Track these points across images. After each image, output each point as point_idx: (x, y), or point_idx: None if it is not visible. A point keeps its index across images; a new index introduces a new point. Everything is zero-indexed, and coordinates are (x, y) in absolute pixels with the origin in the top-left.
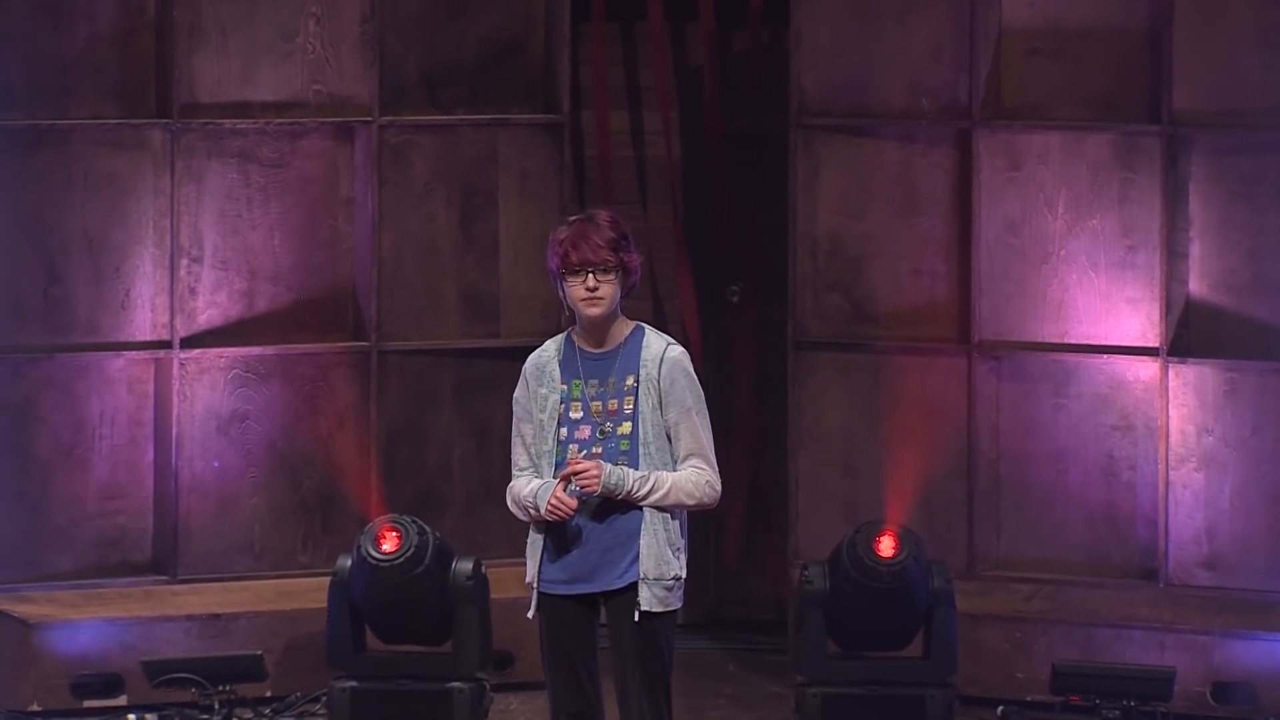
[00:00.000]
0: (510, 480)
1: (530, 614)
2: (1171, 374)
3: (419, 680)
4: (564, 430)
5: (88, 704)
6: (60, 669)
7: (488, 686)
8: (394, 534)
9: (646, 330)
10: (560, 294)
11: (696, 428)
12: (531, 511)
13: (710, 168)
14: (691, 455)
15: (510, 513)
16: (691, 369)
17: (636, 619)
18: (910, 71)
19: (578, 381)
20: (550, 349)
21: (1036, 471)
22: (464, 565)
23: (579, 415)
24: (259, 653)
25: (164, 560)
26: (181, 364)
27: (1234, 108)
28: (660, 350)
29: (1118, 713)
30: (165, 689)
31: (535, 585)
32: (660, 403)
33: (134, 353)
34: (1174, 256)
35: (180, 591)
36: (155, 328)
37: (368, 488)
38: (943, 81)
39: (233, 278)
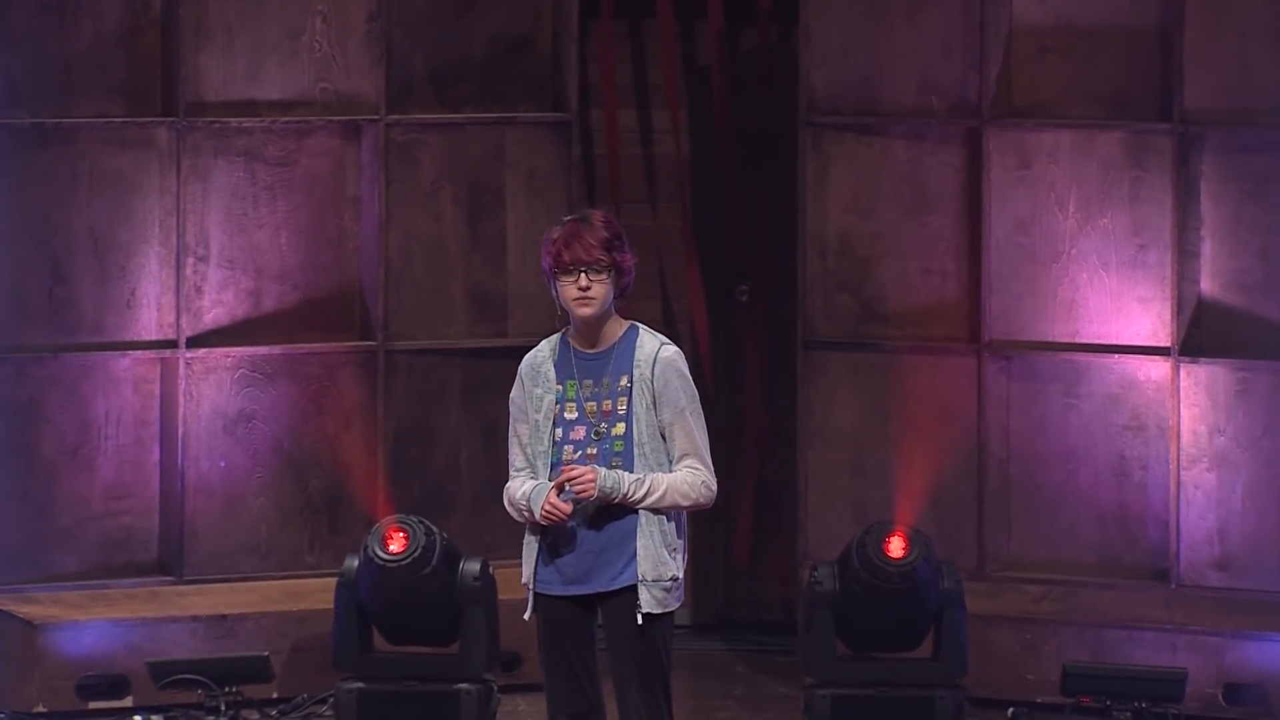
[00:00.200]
0: (508, 481)
1: (527, 615)
2: (1183, 374)
3: (426, 681)
4: (559, 431)
5: (93, 705)
6: (65, 670)
7: (495, 688)
8: (401, 534)
9: (640, 330)
10: (553, 294)
11: (691, 428)
12: (526, 514)
13: (719, 166)
14: (687, 456)
15: None
16: (685, 368)
17: (640, 621)
18: (920, 70)
19: (572, 382)
20: (545, 349)
21: (1047, 472)
22: (471, 566)
23: (574, 416)
24: (265, 654)
25: (170, 561)
26: (187, 363)
27: (1245, 106)
28: (654, 350)
29: (1129, 714)
30: (171, 690)
31: (531, 587)
32: (654, 403)
33: (140, 352)
34: (1185, 255)
35: (186, 592)
36: (161, 327)
37: (375, 488)
38: (952, 80)
39: (239, 277)
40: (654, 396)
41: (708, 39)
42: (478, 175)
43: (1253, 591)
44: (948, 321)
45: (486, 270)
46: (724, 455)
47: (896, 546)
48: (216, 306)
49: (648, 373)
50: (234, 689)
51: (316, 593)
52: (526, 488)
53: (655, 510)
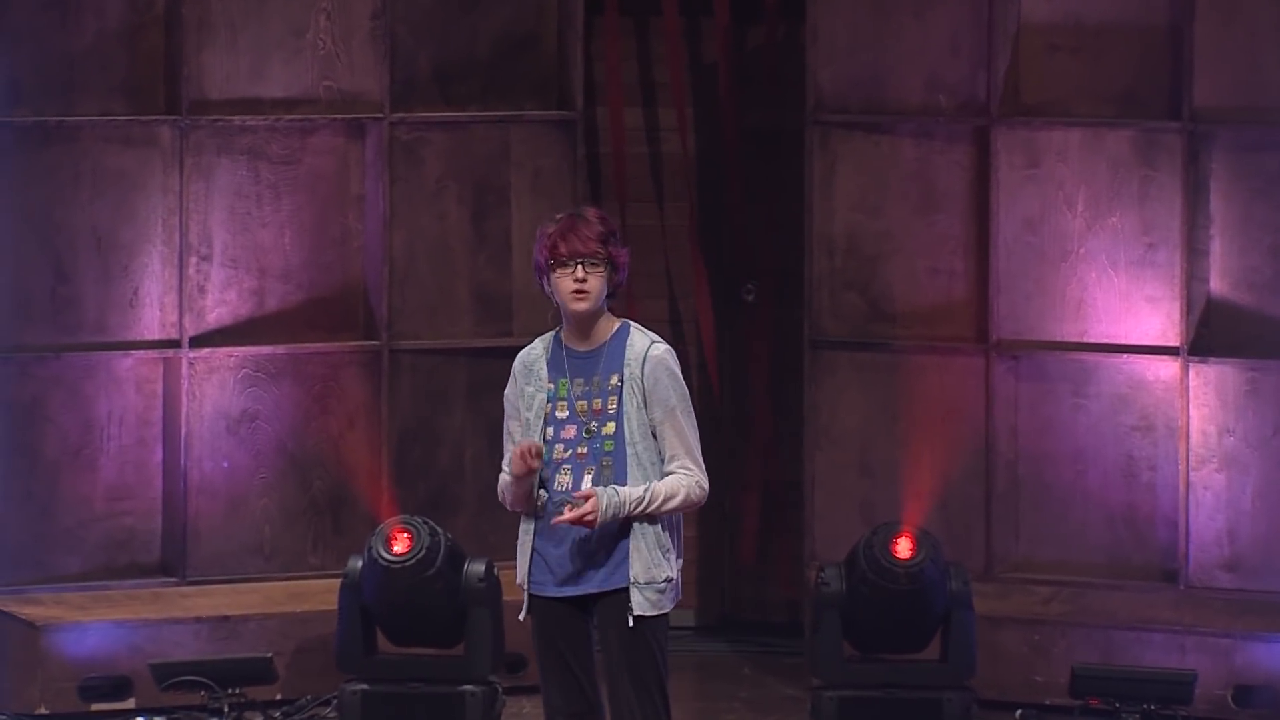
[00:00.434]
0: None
1: (522, 616)
2: (1192, 373)
3: (430, 683)
4: (550, 429)
5: (96, 707)
6: (68, 671)
7: (500, 689)
8: (405, 535)
9: (632, 328)
10: (546, 291)
11: (682, 427)
12: (508, 480)
13: (725, 165)
14: (677, 456)
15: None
16: (676, 367)
17: (631, 624)
18: (928, 67)
19: (564, 380)
20: (539, 347)
21: (1055, 472)
22: (476, 567)
23: (565, 414)
24: (269, 655)
25: (173, 562)
26: (190, 363)
27: (1255, 104)
28: (644, 348)
29: (1138, 716)
30: (174, 692)
31: (526, 587)
32: (645, 401)
33: (142, 352)
34: (1195, 254)
35: (189, 593)
36: (164, 327)
37: (379, 488)
38: (960, 77)
39: (242, 276)
40: (644, 395)
41: (714, 36)
42: (482, 174)
43: (1263, 593)
44: (955, 321)
45: (491, 269)
46: (730, 456)
47: (904, 547)
48: (220, 306)
49: (638, 371)
50: (237, 690)
51: (320, 594)
52: (506, 480)
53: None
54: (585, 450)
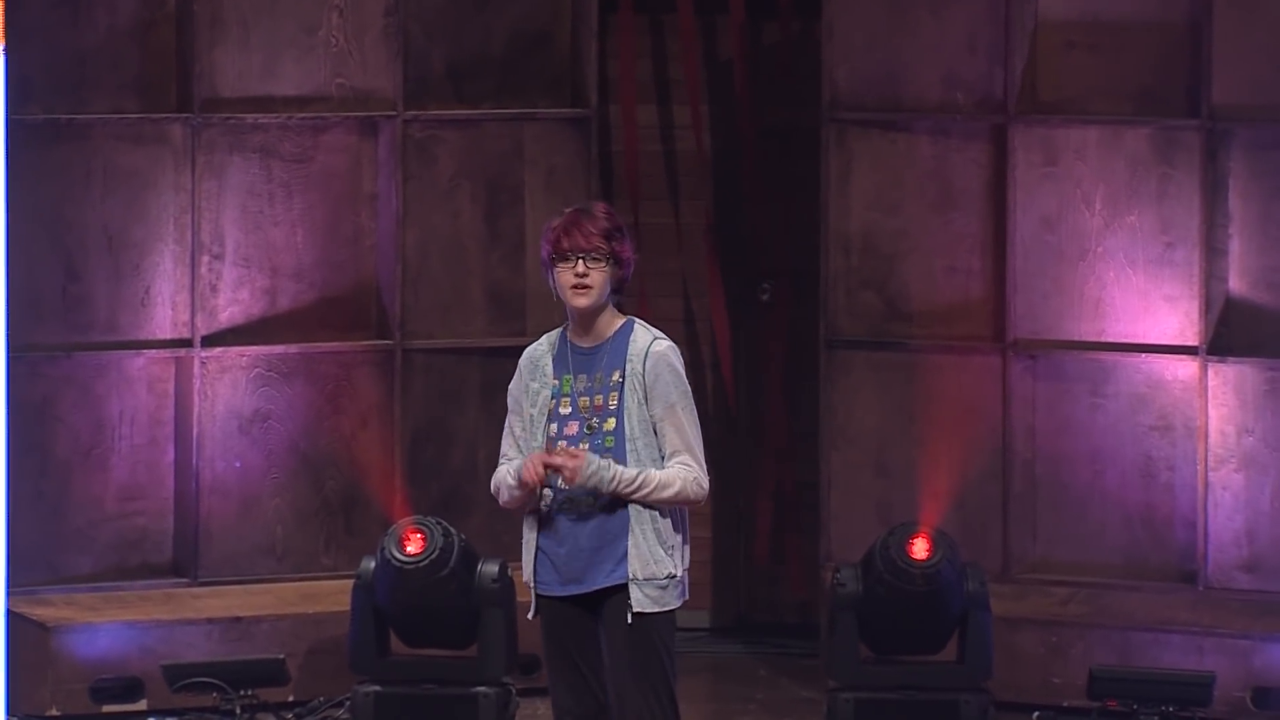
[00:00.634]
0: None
1: (530, 615)
2: (1211, 373)
3: (444, 685)
4: (554, 426)
5: (107, 709)
6: (79, 673)
7: (513, 691)
8: (418, 536)
9: (636, 324)
10: (551, 285)
11: (682, 423)
12: (513, 491)
13: (741, 163)
14: (678, 452)
15: None
16: (678, 363)
17: (629, 621)
18: (944, 65)
19: (568, 377)
20: (545, 344)
21: (1073, 472)
22: (489, 568)
23: (568, 411)
24: (281, 656)
25: (184, 562)
26: (202, 363)
27: (1275, 101)
28: (646, 344)
29: (1156, 718)
30: (186, 693)
31: (532, 586)
32: (646, 398)
33: (154, 351)
34: (1213, 253)
35: (201, 594)
36: (176, 326)
37: (392, 489)
38: (977, 75)
39: (254, 275)
40: (645, 391)
41: (729, 33)
42: (496, 172)
43: None
44: (972, 320)
45: (505, 268)
46: (744, 456)
47: (920, 548)
48: (232, 305)
49: (639, 367)
50: (249, 692)
51: (333, 595)
52: (502, 474)
53: (646, 506)
54: (587, 447)
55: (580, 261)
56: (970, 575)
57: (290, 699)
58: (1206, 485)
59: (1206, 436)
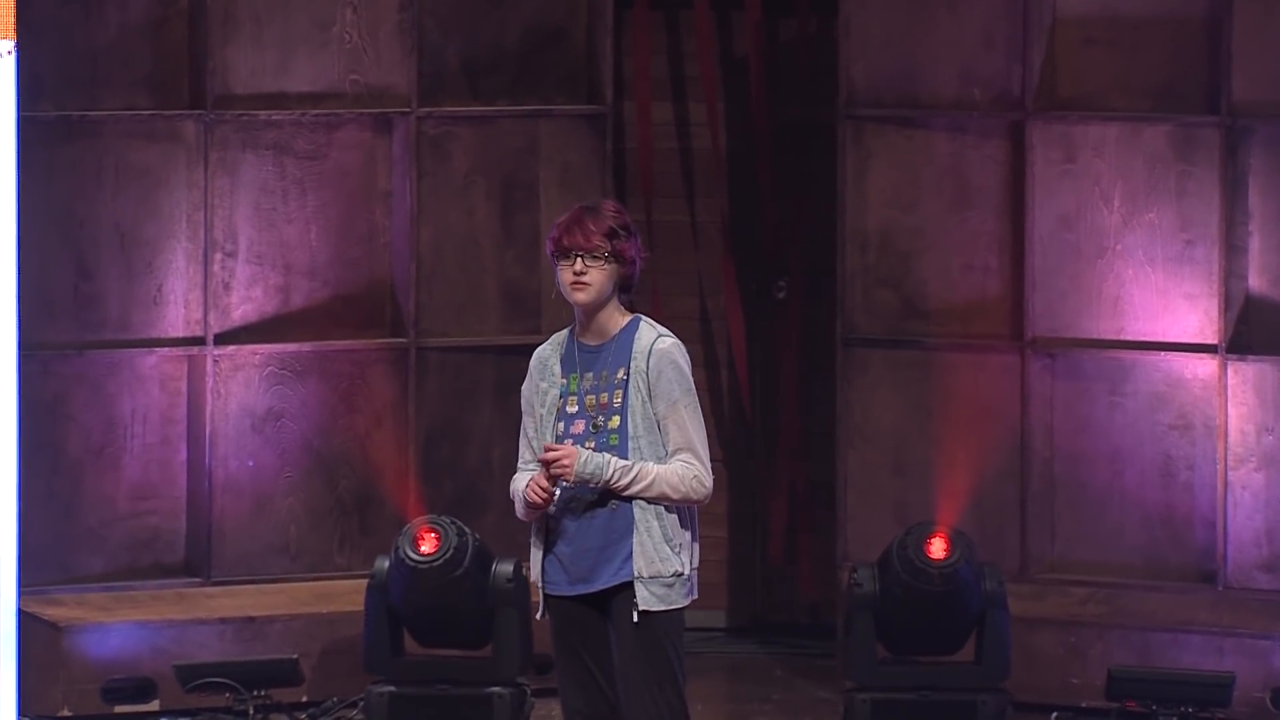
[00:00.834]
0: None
1: (539, 616)
2: (1230, 371)
3: (458, 685)
4: (561, 425)
5: (119, 709)
6: (91, 673)
7: (528, 691)
8: (433, 535)
9: (642, 321)
10: (557, 282)
11: (685, 421)
12: (521, 506)
13: (756, 160)
14: (681, 450)
15: None
16: (682, 361)
17: (635, 619)
18: (962, 61)
19: (575, 375)
20: (553, 343)
21: (1092, 472)
22: (504, 567)
23: (575, 409)
24: (294, 656)
25: (197, 562)
26: (215, 361)
27: None
28: (650, 341)
29: (1175, 719)
30: (198, 694)
31: (541, 586)
32: (650, 395)
33: (167, 349)
34: (1233, 251)
35: (214, 594)
36: (188, 324)
37: (406, 488)
38: (995, 71)
39: (268, 273)
40: (649, 388)
41: (745, 30)
42: (511, 169)
43: None
44: (990, 318)
45: (519, 266)
46: (759, 455)
47: (938, 548)
48: (245, 303)
49: (643, 364)
50: (262, 692)
51: (346, 594)
52: (519, 481)
53: (650, 502)
54: (593, 445)
55: (579, 260)
56: (988, 575)
57: (304, 699)
58: (1226, 484)
59: (1226, 435)
